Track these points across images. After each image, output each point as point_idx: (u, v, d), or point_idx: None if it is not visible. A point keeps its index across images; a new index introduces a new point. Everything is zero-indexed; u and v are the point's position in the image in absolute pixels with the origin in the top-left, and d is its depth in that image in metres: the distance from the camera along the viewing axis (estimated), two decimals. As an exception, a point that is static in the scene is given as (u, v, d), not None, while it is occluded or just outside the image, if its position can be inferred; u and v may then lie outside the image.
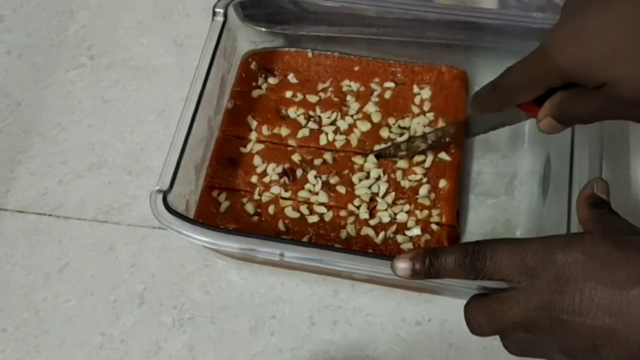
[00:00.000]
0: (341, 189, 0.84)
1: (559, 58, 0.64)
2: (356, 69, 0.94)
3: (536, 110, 0.71)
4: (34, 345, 0.80)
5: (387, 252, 0.81)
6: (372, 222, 0.82)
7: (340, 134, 0.89)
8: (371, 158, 0.86)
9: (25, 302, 0.82)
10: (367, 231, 0.82)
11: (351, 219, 0.83)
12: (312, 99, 0.92)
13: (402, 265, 0.63)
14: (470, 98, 0.79)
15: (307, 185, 0.85)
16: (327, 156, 0.87)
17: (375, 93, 0.92)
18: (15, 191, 0.89)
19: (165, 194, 0.74)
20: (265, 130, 0.89)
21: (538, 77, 0.68)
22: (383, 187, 0.84)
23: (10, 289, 0.83)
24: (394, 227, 0.82)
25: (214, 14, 0.87)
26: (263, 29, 0.93)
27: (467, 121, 0.84)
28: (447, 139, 0.86)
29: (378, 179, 0.85)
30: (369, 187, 0.84)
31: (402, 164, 0.86)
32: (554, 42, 0.65)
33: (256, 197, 0.85)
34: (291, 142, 0.88)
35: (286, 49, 0.96)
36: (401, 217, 0.83)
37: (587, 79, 0.64)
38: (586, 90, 0.65)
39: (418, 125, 0.89)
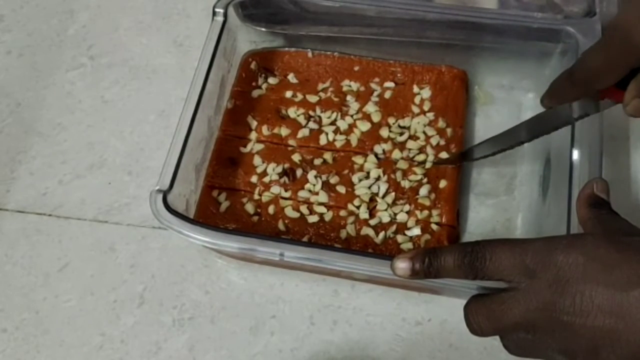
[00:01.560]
0: (341, 189, 0.84)
1: (635, 34, 0.63)
2: (356, 68, 0.94)
3: (621, 94, 0.69)
4: (34, 345, 0.80)
5: (387, 252, 0.81)
6: (372, 222, 0.82)
7: (340, 133, 0.89)
8: (371, 158, 0.86)
9: (25, 302, 0.82)
10: (367, 231, 0.82)
11: (351, 219, 0.83)
12: (312, 99, 0.91)
13: (402, 265, 0.63)
14: (546, 91, 0.76)
15: (307, 185, 0.85)
16: (327, 156, 0.87)
17: (375, 93, 0.92)
18: (15, 191, 0.89)
19: (165, 194, 0.74)
20: (265, 130, 0.89)
21: (617, 58, 0.66)
22: (383, 187, 0.84)
23: (10, 289, 0.83)
24: (394, 227, 0.82)
25: (214, 13, 0.87)
26: (263, 29, 0.93)
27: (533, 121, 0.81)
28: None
29: (378, 179, 0.85)
30: (369, 187, 0.84)
31: (402, 164, 0.86)
32: (628, 19, 0.64)
33: (256, 197, 0.85)
34: (291, 142, 0.88)
35: (286, 49, 0.96)
36: (401, 217, 0.83)
37: None
38: None
39: (418, 124, 0.89)
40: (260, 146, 0.88)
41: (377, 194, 0.84)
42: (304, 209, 0.84)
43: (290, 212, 0.83)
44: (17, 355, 0.80)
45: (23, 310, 0.82)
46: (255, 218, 0.84)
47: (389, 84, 0.92)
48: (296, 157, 0.87)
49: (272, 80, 0.93)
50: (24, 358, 0.80)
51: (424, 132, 0.88)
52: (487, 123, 0.92)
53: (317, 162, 0.87)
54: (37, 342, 0.80)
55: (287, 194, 0.85)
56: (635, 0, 0.64)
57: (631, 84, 0.67)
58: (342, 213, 0.83)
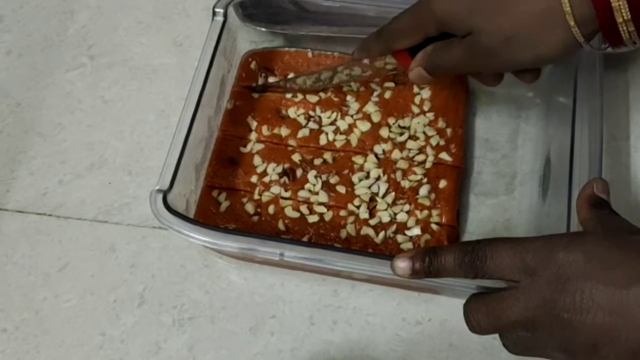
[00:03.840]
0: (341, 189, 0.84)
1: (435, 6, 0.73)
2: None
3: (409, 60, 0.79)
4: (34, 345, 0.80)
5: (387, 251, 0.81)
6: (372, 222, 0.82)
7: (341, 133, 0.89)
8: (371, 158, 0.86)
9: (25, 302, 0.82)
10: (367, 231, 0.82)
11: (351, 218, 0.83)
12: (312, 99, 0.91)
13: (402, 265, 0.63)
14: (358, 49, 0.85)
15: (307, 185, 0.85)
16: (327, 156, 0.87)
17: (375, 93, 0.92)
18: (15, 191, 0.89)
19: (165, 194, 0.74)
20: (265, 130, 0.89)
21: (418, 24, 0.77)
22: (383, 187, 0.84)
23: (10, 289, 0.83)
24: (394, 227, 0.82)
25: (214, 13, 0.87)
26: (263, 29, 0.93)
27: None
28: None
29: (378, 178, 0.85)
30: (369, 187, 0.84)
31: (402, 164, 0.86)
32: None
33: (256, 196, 0.85)
34: (291, 142, 0.88)
35: (286, 48, 0.96)
36: (401, 217, 0.83)
37: (456, 27, 0.73)
38: (454, 40, 0.74)
39: (418, 124, 0.89)
40: (260, 146, 0.88)
41: (377, 194, 0.84)
42: (304, 208, 0.84)
43: (290, 212, 0.83)
44: (17, 355, 0.80)
45: (23, 310, 0.82)
46: (255, 218, 0.84)
47: (389, 84, 0.92)
48: (296, 157, 0.87)
49: (272, 80, 0.93)
50: (24, 358, 0.79)
51: (424, 132, 0.88)
52: (487, 123, 0.92)
53: (317, 162, 0.87)
54: (37, 342, 0.80)
55: (287, 194, 0.85)
56: None
57: (420, 53, 0.78)
58: (342, 213, 0.83)
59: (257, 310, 0.81)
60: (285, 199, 0.85)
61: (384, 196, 0.84)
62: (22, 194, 0.89)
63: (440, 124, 0.89)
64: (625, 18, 0.63)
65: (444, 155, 0.86)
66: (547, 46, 0.68)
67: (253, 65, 0.94)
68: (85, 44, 1.01)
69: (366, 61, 0.84)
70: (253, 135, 0.89)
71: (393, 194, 0.84)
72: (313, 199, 0.84)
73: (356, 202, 0.84)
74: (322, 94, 0.92)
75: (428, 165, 0.86)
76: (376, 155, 0.87)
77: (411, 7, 0.77)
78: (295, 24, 0.93)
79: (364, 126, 0.89)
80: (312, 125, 0.89)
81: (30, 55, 1.00)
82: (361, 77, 0.88)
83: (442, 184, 0.84)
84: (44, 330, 0.81)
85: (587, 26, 0.66)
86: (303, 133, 0.89)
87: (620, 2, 0.62)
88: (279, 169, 0.86)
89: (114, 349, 0.80)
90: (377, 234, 0.81)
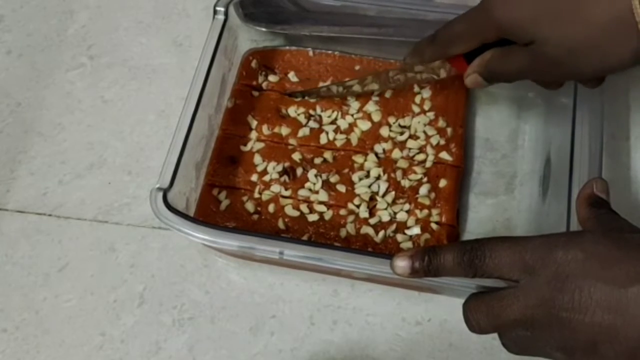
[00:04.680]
0: (341, 188, 0.84)
1: (496, 13, 0.71)
2: (357, 68, 0.94)
3: (466, 66, 0.78)
4: (34, 345, 0.80)
5: (387, 251, 0.81)
6: (372, 221, 0.82)
7: (341, 133, 0.89)
8: (371, 157, 0.86)
9: (25, 302, 0.82)
10: (366, 230, 0.82)
11: (351, 217, 0.83)
12: (312, 97, 0.91)
13: (402, 264, 0.63)
14: (411, 49, 0.83)
15: (307, 184, 0.85)
16: (328, 155, 0.87)
17: (376, 92, 0.91)
18: (15, 191, 0.89)
19: (165, 192, 0.74)
20: (265, 129, 0.89)
21: (476, 29, 0.74)
22: (383, 186, 0.84)
23: (10, 289, 0.83)
24: (393, 226, 0.82)
25: (215, 12, 0.87)
26: (263, 29, 0.93)
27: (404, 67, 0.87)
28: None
29: (378, 178, 0.85)
30: (369, 186, 0.84)
31: (402, 163, 0.86)
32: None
33: (256, 195, 0.85)
34: (292, 141, 0.88)
35: (287, 47, 0.96)
36: (401, 216, 0.83)
37: (518, 35, 0.71)
38: (515, 48, 0.72)
39: (418, 124, 0.89)
40: (260, 145, 0.88)
41: (377, 193, 0.84)
42: (304, 207, 0.84)
43: (290, 211, 0.83)
44: (17, 355, 0.80)
45: (23, 310, 0.82)
46: (255, 216, 0.84)
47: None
48: (296, 156, 0.87)
49: (272, 79, 0.93)
50: (24, 358, 0.79)
51: (424, 132, 0.88)
52: (488, 122, 0.92)
53: (318, 161, 0.87)
54: (37, 342, 0.80)
55: (287, 193, 0.85)
56: None
57: (477, 59, 0.76)
58: (342, 212, 0.83)
59: (257, 310, 0.81)
60: (286, 197, 0.85)
61: (384, 195, 0.84)
62: (22, 194, 0.89)
63: (441, 123, 0.89)
64: None
65: (444, 155, 0.86)
66: (615, 57, 0.67)
67: (254, 64, 0.94)
68: (85, 44, 1.01)
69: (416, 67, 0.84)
70: (253, 134, 0.89)
71: (393, 193, 0.84)
72: (313, 197, 0.84)
73: (356, 201, 0.84)
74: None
75: (428, 164, 0.86)
76: (376, 154, 0.87)
77: (469, 12, 0.75)
78: (295, 24, 0.93)
79: (365, 125, 0.89)
80: (312, 124, 0.89)
81: (30, 55, 1.00)
82: (406, 82, 0.88)
83: (442, 183, 0.84)
84: (44, 330, 0.81)
85: None
86: (303, 132, 0.89)
87: None
88: (279, 168, 0.86)
89: (114, 349, 0.80)
90: (376, 233, 0.81)
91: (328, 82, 0.93)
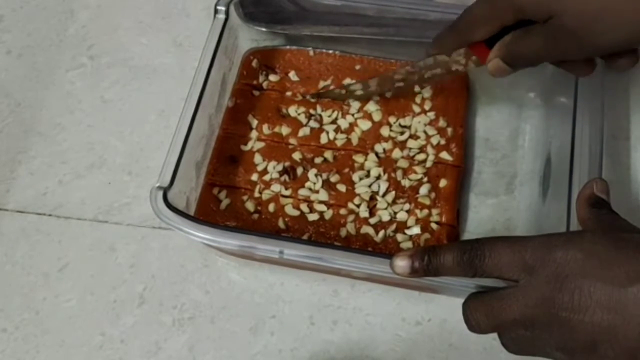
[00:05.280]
0: (341, 188, 0.84)
1: None
2: (357, 67, 0.94)
3: (487, 52, 0.76)
4: (34, 345, 0.80)
5: (387, 250, 0.81)
6: (372, 220, 0.82)
7: (341, 132, 0.89)
8: (372, 157, 0.86)
9: (25, 302, 0.82)
10: (367, 230, 0.82)
11: (351, 217, 0.83)
12: (313, 97, 0.92)
13: (401, 263, 0.63)
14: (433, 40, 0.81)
15: (308, 184, 0.85)
16: (328, 154, 0.87)
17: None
18: (15, 191, 0.89)
19: (165, 191, 0.74)
20: (265, 128, 0.89)
21: (494, 12, 0.73)
22: (383, 185, 0.84)
23: (10, 289, 0.83)
24: (393, 226, 0.82)
25: (216, 11, 0.87)
26: (263, 29, 0.93)
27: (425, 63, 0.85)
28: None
29: (378, 177, 0.85)
30: (369, 186, 0.84)
31: (402, 163, 0.86)
32: None
33: (256, 195, 0.85)
34: (292, 140, 0.88)
35: (287, 47, 0.96)
36: (401, 215, 0.83)
37: (536, 12, 0.70)
38: (534, 27, 0.71)
39: (419, 124, 0.89)
40: (260, 144, 0.88)
41: (377, 193, 0.84)
42: (304, 207, 0.84)
43: (290, 210, 0.83)
44: (17, 355, 0.80)
45: (23, 310, 0.82)
46: (256, 216, 0.84)
47: (389, 83, 0.92)
48: (297, 156, 0.87)
49: (273, 78, 0.93)
50: (24, 358, 0.79)
51: (425, 132, 0.88)
52: (488, 122, 0.92)
53: (318, 160, 0.87)
54: (37, 342, 0.80)
55: (288, 192, 0.85)
56: None
57: (498, 43, 0.75)
58: (342, 211, 0.83)
59: (257, 310, 0.81)
60: (286, 197, 0.85)
61: (384, 195, 0.84)
62: (22, 194, 0.89)
63: (441, 123, 0.89)
64: None
65: (445, 155, 0.86)
66: (637, 24, 0.66)
67: (254, 63, 0.94)
68: (85, 44, 1.01)
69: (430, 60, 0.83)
70: (254, 134, 0.89)
71: (393, 192, 0.84)
72: (313, 197, 0.84)
73: (356, 200, 0.84)
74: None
75: (428, 164, 0.86)
76: (377, 154, 0.87)
77: None
78: (295, 24, 0.93)
79: (365, 125, 0.89)
80: (312, 123, 0.89)
81: (30, 55, 1.00)
82: (418, 82, 0.88)
83: (443, 183, 0.84)
84: (44, 330, 0.81)
85: None
86: (304, 132, 0.89)
87: None
88: (280, 167, 0.86)
89: (114, 349, 0.80)
90: (376, 232, 0.81)
91: (329, 82, 0.93)
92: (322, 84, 0.93)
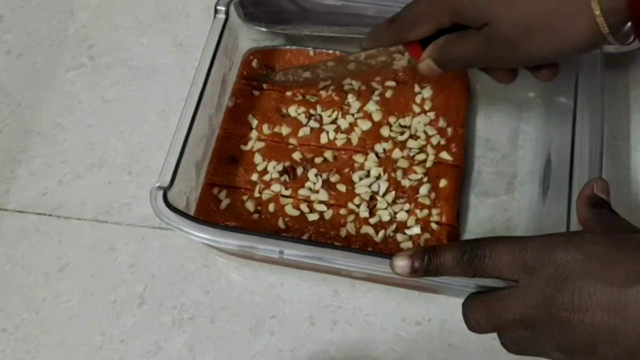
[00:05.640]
0: (341, 188, 0.84)
1: None
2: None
3: (420, 52, 0.77)
4: (34, 345, 0.80)
5: (387, 250, 0.81)
6: (372, 220, 0.82)
7: (341, 132, 0.89)
8: (372, 157, 0.86)
9: (25, 302, 0.82)
10: (367, 230, 0.82)
11: (351, 217, 0.83)
12: (313, 97, 0.92)
13: (401, 263, 0.63)
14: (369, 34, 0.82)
15: (308, 184, 0.85)
16: (328, 154, 0.87)
17: (376, 92, 0.91)
18: (15, 191, 0.89)
19: (165, 191, 0.74)
20: (265, 128, 0.89)
21: (432, 13, 0.74)
22: (383, 185, 0.84)
23: (10, 289, 0.83)
24: (393, 226, 0.82)
25: (216, 11, 0.87)
26: (263, 29, 0.93)
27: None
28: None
29: (378, 177, 0.85)
30: (369, 186, 0.84)
31: (402, 163, 0.86)
32: None
33: (256, 194, 0.85)
34: (292, 140, 0.88)
35: (287, 47, 0.96)
36: (401, 215, 0.83)
37: (473, 18, 0.70)
38: (470, 32, 0.71)
39: (419, 124, 0.88)
40: (260, 144, 0.88)
41: (377, 193, 0.84)
42: (304, 207, 0.84)
43: (290, 210, 0.83)
44: (17, 355, 0.80)
45: (23, 310, 0.82)
46: (256, 216, 0.84)
47: (390, 83, 0.92)
48: (297, 156, 0.87)
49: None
50: (24, 358, 0.80)
51: (425, 132, 0.88)
52: (488, 122, 0.92)
53: (318, 160, 0.87)
54: (37, 342, 0.80)
55: (288, 192, 0.85)
56: None
57: (432, 44, 0.76)
58: (342, 211, 0.83)
59: (257, 310, 0.81)
60: (286, 197, 0.85)
61: (384, 195, 0.84)
62: (22, 194, 0.89)
63: (441, 123, 0.89)
64: None
65: (445, 155, 0.86)
66: (569, 37, 0.67)
67: (255, 63, 0.95)
68: (85, 44, 1.01)
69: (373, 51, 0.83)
70: (254, 134, 0.89)
71: (393, 192, 0.84)
72: (313, 197, 0.84)
73: (356, 200, 0.84)
74: (323, 93, 0.92)
75: (428, 164, 0.86)
76: (377, 154, 0.87)
77: None
78: (295, 24, 0.93)
79: (365, 125, 0.89)
80: (312, 124, 0.89)
81: (30, 55, 1.00)
82: (363, 70, 0.88)
83: (443, 183, 0.84)
84: (44, 330, 0.81)
85: (614, 16, 0.64)
86: (304, 132, 0.89)
87: None
88: (280, 167, 0.86)
89: (114, 349, 0.80)
90: (376, 232, 0.81)
91: (329, 82, 0.93)
92: (321, 84, 0.93)
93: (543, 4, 0.66)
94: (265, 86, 0.93)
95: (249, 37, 0.94)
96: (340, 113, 0.90)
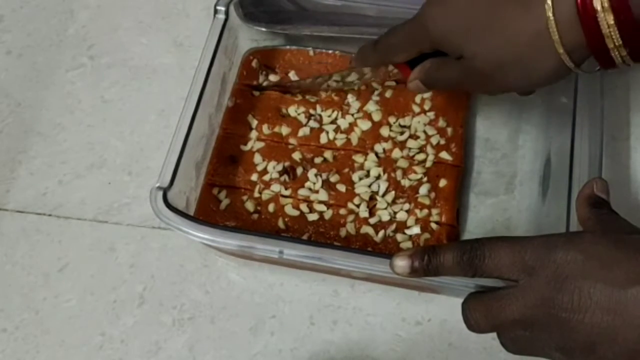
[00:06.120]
0: (341, 188, 0.84)
1: (429, 26, 0.73)
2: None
3: (409, 71, 0.79)
4: (34, 345, 0.80)
5: (387, 250, 0.81)
6: (372, 220, 0.82)
7: (341, 132, 0.89)
8: (371, 157, 0.86)
9: (25, 302, 0.82)
10: (366, 230, 0.82)
11: (351, 217, 0.83)
12: (313, 97, 0.92)
13: (401, 263, 0.63)
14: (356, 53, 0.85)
15: (307, 184, 0.85)
16: (328, 154, 0.87)
17: (376, 92, 0.91)
18: (15, 191, 0.89)
19: (165, 191, 0.74)
20: (265, 128, 0.89)
21: (413, 41, 0.77)
22: (383, 185, 0.84)
23: (10, 289, 0.83)
24: (393, 226, 0.82)
25: (216, 11, 0.87)
26: (263, 29, 0.93)
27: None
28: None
29: (378, 177, 0.85)
30: (369, 186, 0.84)
31: (402, 163, 0.86)
32: (427, 13, 0.74)
33: (256, 195, 0.85)
34: (292, 140, 0.88)
35: (287, 47, 0.96)
36: (401, 215, 0.83)
37: (450, 50, 0.73)
38: (449, 60, 0.74)
39: (419, 124, 0.88)
40: (260, 144, 0.88)
41: (377, 193, 0.84)
42: (304, 207, 0.84)
43: (290, 210, 0.83)
44: (17, 355, 0.80)
45: (23, 310, 0.82)
46: (255, 216, 0.84)
47: (390, 83, 0.92)
48: (296, 156, 0.87)
49: (273, 78, 0.94)
50: (24, 358, 0.79)
51: (425, 132, 0.88)
52: (488, 122, 0.92)
53: (318, 160, 0.87)
54: (37, 342, 0.80)
55: (287, 192, 0.85)
56: None
57: (418, 67, 0.78)
58: (342, 211, 0.83)
59: (257, 310, 0.81)
60: (286, 197, 0.85)
61: (384, 195, 0.84)
62: (22, 194, 0.89)
63: (441, 123, 0.89)
64: (617, 44, 0.63)
65: (444, 155, 0.86)
66: (538, 72, 0.69)
67: (254, 63, 0.94)
68: (85, 44, 1.01)
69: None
70: (253, 134, 0.89)
71: (393, 192, 0.84)
72: (313, 197, 0.84)
73: (356, 200, 0.84)
74: (322, 93, 0.92)
75: (428, 164, 0.86)
76: (376, 154, 0.87)
77: (407, 22, 0.77)
78: (295, 24, 0.93)
79: (365, 125, 0.89)
80: (312, 124, 0.89)
81: (30, 55, 1.00)
82: (362, 81, 0.90)
83: (442, 183, 0.84)
84: (44, 330, 0.81)
85: (578, 52, 0.66)
86: (304, 132, 0.89)
87: (610, 28, 0.62)
88: (280, 167, 0.86)
89: (114, 349, 0.80)
90: (376, 232, 0.81)
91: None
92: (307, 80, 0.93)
93: (513, 43, 0.68)
94: (265, 85, 0.93)
95: (249, 37, 0.94)
96: (340, 113, 0.90)
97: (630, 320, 0.55)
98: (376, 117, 0.89)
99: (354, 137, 0.88)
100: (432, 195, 0.84)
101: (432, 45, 0.74)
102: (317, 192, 0.84)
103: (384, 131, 0.88)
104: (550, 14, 0.64)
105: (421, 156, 0.86)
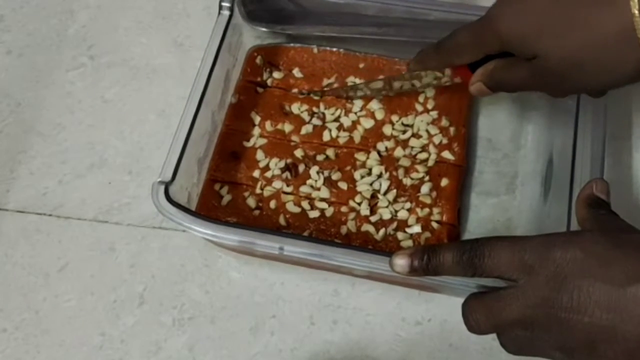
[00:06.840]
0: (343, 185, 0.84)
1: (500, 28, 0.71)
2: (361, 65, 0.94)
3: (470, 75, 0.78)
4: (34, 345, 0.80)
5: (387, 248, 0.81)
6: (373, 218, 0.82)
7: (344, 130, 0.89)
8: (374, 155, 0.86)
9: (25, 302, 0.82)
10: (367, 227, 0.82)
11: (352, 215, 0.83)
12: (317, 95, 0.92)
13: (401, 262, 0.63)
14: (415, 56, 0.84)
15: (309, 181, 0.85)
16: (330, 152, 0.87)
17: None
18: (15, 191, 0.89)
19: (167, 186, 0.74)
20: (268, 125, 0.89)
21: (479, 42, 0.75)
22: (385, 184, 0.84)
23: (10, 289, 0.83)
24: (394, 224, 0.82)
25: (220, 7, 0.87)
26: (263, 29, 0.93)
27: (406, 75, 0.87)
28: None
29: (380, 176, 0.85)
30: (371, 184, 0.84)
31: (404, 161, 0.86)
32: (498, 13, 0.72)
33: (258, 191, 0.85)
34: (294, 138, 0.88)
35: (291, 44, 0.96)
36: (402, 214, 0.82)
37: (522, 50, 0.71)
38: (518, 60, 0.72)
39: (421, 123, 0.88)
40: (263, 140, 0.88)
41: (378, 191, 0.84)
42: (305, 204, 0.84)
43: (291, 207, 0.83)
44: (17, 355, 0.80)
45: (23, 310, 0.82)
46: (257, 212, 0.84)
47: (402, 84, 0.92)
48: (299, 153, 0.87)
49: (277, 75, 0.93)
50: (24, 358, 0.79)
51: (427, 131, 0.88)
52: (490, 122, 0.92)
53: (320, 157, 0.87)
54: (37, 342, 0.80)
55: (289, 189, 0.85)
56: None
57: (480, 69, 0.77)
58: (343, 209, 0.83)
59: (257, 310, 0.81)
60: (287, 194, 0.85)
61: (385, 193, 0.84)
62: (22, 194, 0.89)
63: (444, 122, 0.89)
64: None
65: (447, 154, 0.86)
66: (620, 72, 0.67)
67: (258, 60, 0.94)
68: (85, 44, 1.01)
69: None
70: (256, 130, 0.89)
71: (394, 191, 0.84)
72: (314, 194, 0.84)
73: (357, 198, 0.84)
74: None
75: (430, 163, 0.86)
76: (379, 152, 0.87)
77: (473, 23, 0.75)
78: (296, 23, 0.93)
79: (368, 123, 0.89)
80: (315, 121, 0.89)
81: (30, 55, 1.00)
82: (409, 89, 0.89)
83: (444, 182, 0.84)
84: (44, 330, 0.81)
85: None
86: (306, 129, 0.89)
87: None
88: (282, 164, 0.86)
89: (114, 349, 0.80)
90: (377, 230, 0.81)
91: (333, 79, 0.93)
92: (325, 81, 0.93)
93: (592, 41, 0.66)
94: (269, 83, 0.93)
95: (253, 34, 0.94)
96: (343, 111, 0.90)
97: (629, 319, 0.54)
98: (379, 115, 0.89)
99: (357, 135, 0.88)
100: (434, 194, 0.84)
101: (502, 47, 0.72)
102: (318, 189, 0.84)
103: (387, 130, 0.88)
104: (636, 10, 0.62)
105: (423, 155, 0.86)
